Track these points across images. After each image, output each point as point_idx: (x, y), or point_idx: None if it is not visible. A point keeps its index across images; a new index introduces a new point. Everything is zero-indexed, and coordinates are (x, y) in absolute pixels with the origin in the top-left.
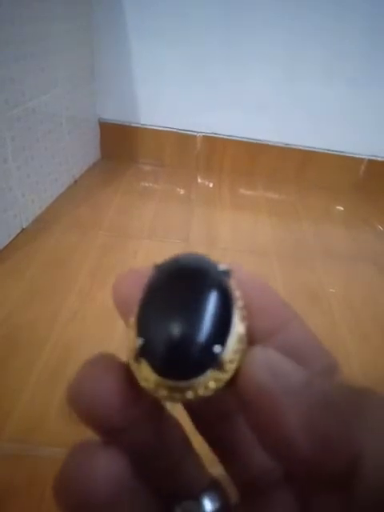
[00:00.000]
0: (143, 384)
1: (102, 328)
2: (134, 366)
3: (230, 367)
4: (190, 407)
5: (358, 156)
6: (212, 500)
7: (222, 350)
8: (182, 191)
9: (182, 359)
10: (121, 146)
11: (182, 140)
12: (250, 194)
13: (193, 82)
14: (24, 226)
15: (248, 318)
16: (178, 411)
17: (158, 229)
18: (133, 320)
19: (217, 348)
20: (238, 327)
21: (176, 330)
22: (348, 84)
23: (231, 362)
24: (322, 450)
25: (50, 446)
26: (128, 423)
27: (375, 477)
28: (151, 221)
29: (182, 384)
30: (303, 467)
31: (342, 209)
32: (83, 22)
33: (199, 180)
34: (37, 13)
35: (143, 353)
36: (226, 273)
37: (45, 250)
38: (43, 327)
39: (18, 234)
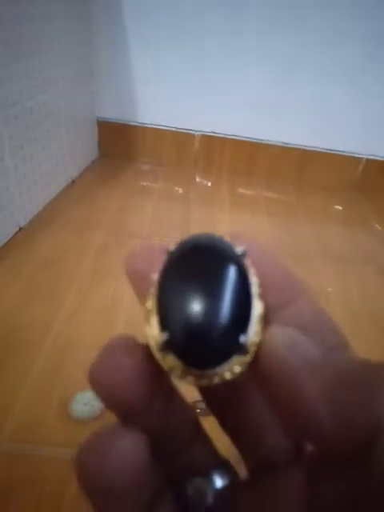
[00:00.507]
0: (170, 372)
1: (100, 327)
2: (158, 355)
3: (252, 350)
4: (203, 388)
5: (356, 155)
6: (221, 476)
7: (246, 336)
8: (180, 190)
9: (208, 349)
10: (119, 145)
11: (181, 139)
12: (249, 193)
13: (192, 81)
14: (21, 225)
15: (263, 295)
16: (187, 389)
17: (156, 228)
18: (150, 304)
19: (242, 338)
20: (257, 309)
21: (200, 320)
22: (347, 84)
23: (253, 344)
24: (342, 420)
25: (49, 445)
26: (148, 406)
27: None
28: (149, 220)
29: (209, 372)
30: (323, 440)
31: (340, 208)
32: (82, 22)
33: (198, 179)
34: (36, 12)
35: (168, 345)
36: (243, 254)
37: (42, 250)
38: (41, 326)
39: (16, 234)
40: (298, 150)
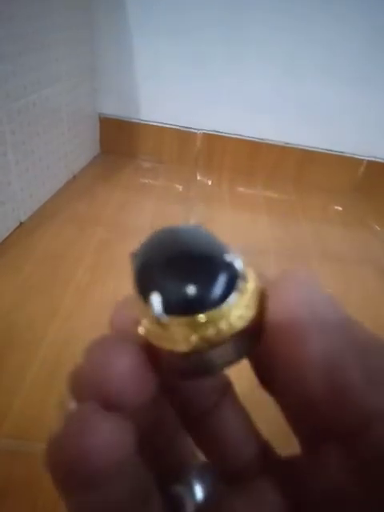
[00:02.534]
0: (178, 347)
1: (101, 323)
2: (159, 332)
3: (252, 303)
4: (177, 400)
5: (357, 156)
6: (203, 486)
7: (238, 260)
8: (180, 188)
9: (198, 279)
10: (120, 142)
11: (182, 137)
12: (249, 192)
13: (194, 79)
14: (22, 220)
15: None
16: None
17: (157, 225)
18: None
19: (227, 256)
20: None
21: (182, 265)
22: (348, 84)
23: (252, 299)
24: (335, 401)
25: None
26: (140, 405)
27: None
28: (149, 217)
29: (215, 313)
30: (312, 412)
31: (340, 209)
32: (85, 17)
33: (198, 177)
34: (38, 8)
35: (164, 307)
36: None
37: (43, 245)
38: (41, 323)
39: (16, 228)
40: (299, 149)
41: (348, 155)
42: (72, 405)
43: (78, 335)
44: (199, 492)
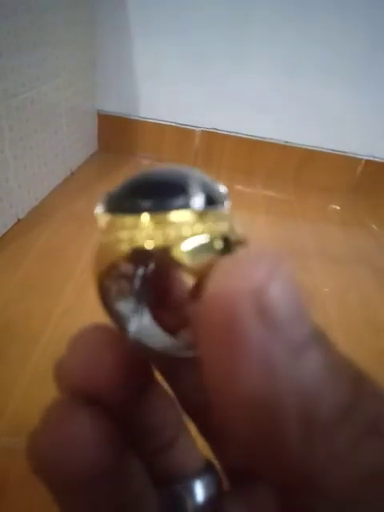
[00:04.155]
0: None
1: (98, 321)
2: (128, 234)
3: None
4: (179, 391)
5: (355, 156)
6: (204, 486)
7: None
8: None
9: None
10: (119, 139)
11: (181, 134)
12: (248, 191)
13: (193, 77)
14: (20, 217)
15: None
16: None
17: None
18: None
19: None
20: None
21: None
22: (348, 84)
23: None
24: (264, 451)
25: None
26: (122, 401)
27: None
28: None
29: (168, 213)
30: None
31: (338, 208)
32: (85, 13)
33: None
34: (38, 3)
35: (130, 204)
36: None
37: (41, 242)
38: (38, 320)
39: (14, 225)
40: (299, 149)
41: (347, 154)
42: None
43: (75, 332)
44: (200, 493)
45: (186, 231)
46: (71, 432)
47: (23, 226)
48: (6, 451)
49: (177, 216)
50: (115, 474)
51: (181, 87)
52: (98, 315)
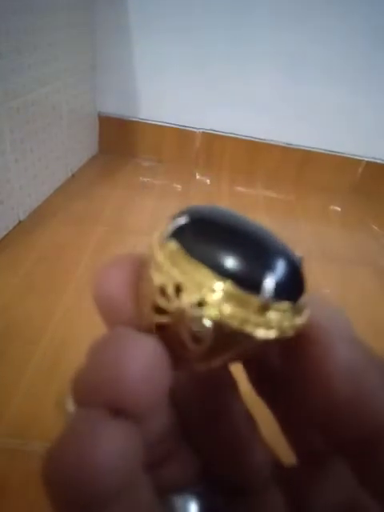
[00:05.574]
0: (269, 334)
1: (99, 323)
2: (242, 318)
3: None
4: (182, 404)
5: (356, 157)
6: (201, 499)
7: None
8: (180, 187)
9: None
10: (120, 141)
11: (182, 136)
12: (248, 192)
13: (194, 79)
14: (21, 219)
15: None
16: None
17: (156, 224)
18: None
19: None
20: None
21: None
22: (349, 85)
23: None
24: (357, 408)
25: (46, 441)
26: (152, 408)
27: None
28: (148, 216)
29: (262, 300)
30: (328, 422)
31: (339, 209)
32: (85, 15)
33: (198, 176)
34: (39, 4)
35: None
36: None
37: (41, 244)
38: (39, 321)
39: (15, 227)
40: (299, 150)
41: (347, 156)
42: (71, 408)
43: (76, 333)
44: (196, 506)
45: (285, 324)
46: (106, 449)
47: (24, 228)
48: (6, 452)
49: (278, 307)
50: (136, 490)
51: (181, 89)
52: (97, 317)
